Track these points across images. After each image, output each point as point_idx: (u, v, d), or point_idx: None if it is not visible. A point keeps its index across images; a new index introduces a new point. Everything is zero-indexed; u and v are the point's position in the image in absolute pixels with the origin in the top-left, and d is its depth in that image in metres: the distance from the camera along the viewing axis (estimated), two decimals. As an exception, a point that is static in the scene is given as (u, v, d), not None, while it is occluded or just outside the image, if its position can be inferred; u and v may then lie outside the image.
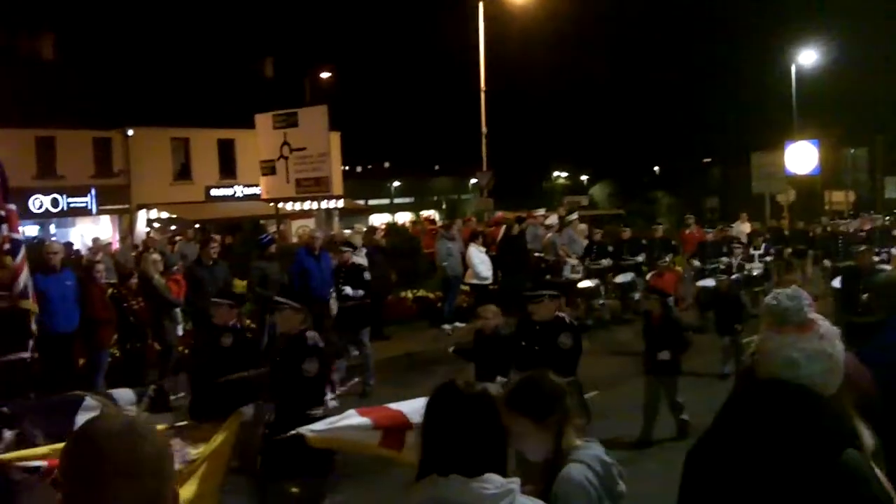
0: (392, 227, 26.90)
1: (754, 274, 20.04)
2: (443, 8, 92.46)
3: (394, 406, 5.53)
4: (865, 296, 7.54)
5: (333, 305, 15.33)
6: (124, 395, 6.57)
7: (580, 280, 19.63)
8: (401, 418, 5.22)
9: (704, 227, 28.80)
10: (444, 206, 70.92)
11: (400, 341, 17.71)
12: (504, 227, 22.20)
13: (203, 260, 14.36)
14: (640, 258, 20.81)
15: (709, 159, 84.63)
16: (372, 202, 66.42)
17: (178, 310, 14.06)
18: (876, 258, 20.95)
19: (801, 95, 47.78)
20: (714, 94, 77.38)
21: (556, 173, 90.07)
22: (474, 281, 19.32)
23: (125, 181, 40.20)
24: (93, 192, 38.56)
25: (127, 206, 40.15)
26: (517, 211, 35.48)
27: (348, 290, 14.51)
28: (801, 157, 40.04)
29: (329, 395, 8.86)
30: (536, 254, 21.07)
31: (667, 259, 19.42)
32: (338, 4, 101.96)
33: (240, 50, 50.17)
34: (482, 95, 32.44)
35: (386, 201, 72.23)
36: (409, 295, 19.92)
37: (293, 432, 5.73)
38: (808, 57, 48.68)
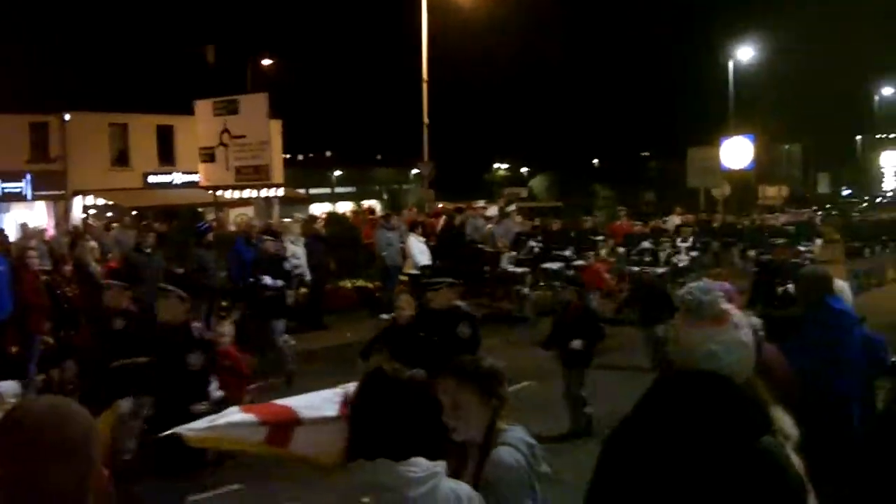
0: (332, 217, 26.89)
1: (680, 266, 20.20)
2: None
3: (281, 402, 5.27)
4: (781, 289, 7.80)
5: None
6: (9, 387, 6.46)
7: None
8: (288, 414, 4.99)
9: (637, 219, 29.18)
10: (385, 197, 70.83)
11: (338, 330, 17.71)
12: (444, 217, 22.35)
13: (142, 247, 14.31)
14: (568, 252, 20.60)
15: (647, 153, 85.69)
16: (313, 191, 66.04)
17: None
18: (802, 248, 20.93)
19: (738, 91, 48.54)
20: (653, 89, 78.31)
21: (497, 165, 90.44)
22: (413, 271, 19.43)
23: (62, 167, 39.54)
24: (28, 177, 37.86)
25: (63, 192, 39.48)
26: (458, 202, 35.69)
27: (267, 279, 14.36)
28: (737, 152, 40.78)
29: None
30: (478, 245, 21.21)
31: (592, 251, 19.59)
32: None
33: (181, 36, 49.46)
34: (424, 86, 32.51)
35: (327, 190, 71.85)
36: (349, 284, 19.96)
37: (170, 432, 5.35)
38: (745, 53, 49.44)
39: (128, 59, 41.24)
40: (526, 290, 19.77)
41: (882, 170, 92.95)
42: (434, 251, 19.82)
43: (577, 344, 10.62)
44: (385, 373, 3.17)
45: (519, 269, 19.76)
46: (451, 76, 60.09)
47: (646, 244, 20.96)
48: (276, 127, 41.41)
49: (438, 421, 3.24)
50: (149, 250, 14.23)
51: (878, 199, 71.69)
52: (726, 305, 3.32)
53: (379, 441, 2.97)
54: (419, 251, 19.25)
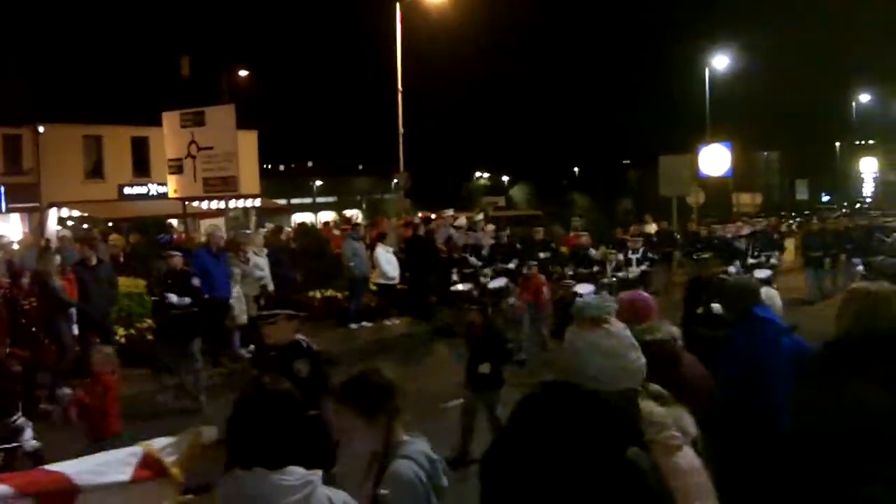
0: (302, 228, 26.91)
1: (630, 278, 19.25)
2: (362, 7, 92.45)
3: (56, 466, 4.56)
4: (701, 309, 7.80)
5: (236, 305, 15.35)
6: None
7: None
8: (62, 481, 4.32)
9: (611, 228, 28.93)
10: (364, 206, 70.91)
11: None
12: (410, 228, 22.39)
13: (86, 262, 14.32)
14: (512, 264, 19.93)
15: (627, 161, 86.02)
16: (294, 201, 66.11)
17: (72, 310, 13.92)
18: (753, 260, 20.66)
19: (715, 99, 48.84)
20: (632, 98, 78.67)
21: (477, 174, 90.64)
22: (381, 281, 19.48)
23: (35, 179, 39.48)
24: (1, 189, 37.78)
25: (37, 204, 39.43)
26: (437, 211, 35.77)
27: (173, 297, 13.62)
28: (715, 159, 40.92)
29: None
30: (452, 255, 21.01)
31: (535, 263, 18.37)
32: (256, 3, 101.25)
33: (155, 48, 49.56)
34: (399, 96, 32.65)
35: (308, 200, 71.94)
36: (318, 295, 19.96)
37: None
38: (721, 62, 49.77)
39: (102, 71, 41.35)
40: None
41: (861, 176, 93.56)
42: (402, 261, 19.89)
43: (484, 368, 10.15)
44: (262, 385, 3.21)
45: (464, 287, 19.00)
46: (431, 86, 60.34)
47: (592, 254, 20.44)
48: (250, 138, 41.51)
49: (317, 432, 3.26)
50: (94, 263, 14.22)
51: (857, 206, 72.02)
52: (608, 315, 3.42)
53: (254, 451, 3.00)
54: (386, 261, 19.30)
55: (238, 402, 3.16)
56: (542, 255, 20.47)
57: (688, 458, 3.65)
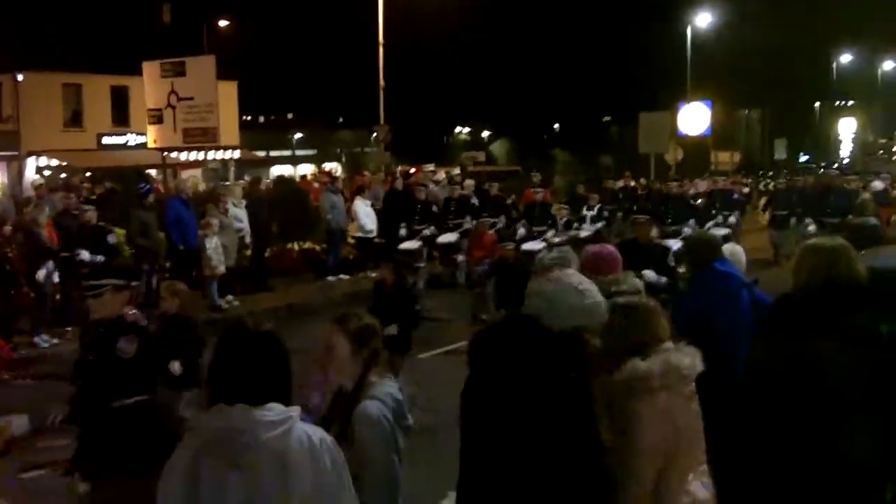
0: (280, 180, 26.92)
1: (582, 236, 18.50)
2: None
3: None
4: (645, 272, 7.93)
5: (213, 255, 15.47)
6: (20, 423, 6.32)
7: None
8: None
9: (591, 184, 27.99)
10: (344, 160, 70.64)
11: (283, 293, 17.92)
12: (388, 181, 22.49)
13: (70, 210, 14.38)
14: (467, 220, 19.32)
15: (608, 118, 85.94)
16: (274, 153, 65.77)
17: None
18: (711, 223, 19.70)
19: (696, 57, 48.84)
20: (614, 55, 78.29)
21: (458, 129, 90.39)
22: (359, 234, 19.62)
23: (14, 127, 39.23)
24: (-20, 137, 37.58)
25: (16, 153, 39.20)
26: (417, 165, 35.84)
27: (84, 254, 13.09)
28: (694, 117, 41.17)
29: None
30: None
31: (496, 220, 18.18)
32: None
33: (137, -5, 49.02)
34: (380, 49, 32.55)
35: (288, 153, 71.59)
36: (296, 247, 20.09)
37: None
38: (703, 19, 49.71)
39: (82, 19, 40.82)
40: (421, 265, 18.12)
41: (840, 136, 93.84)
42: (379, 214, 20.00)
43: (391, 330, 9.25)
44: (245, 325, 3.38)
45: (413, 244, 18.23)
46: (412, 39, 59.95)
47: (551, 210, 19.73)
48: (230, 89, 41.27)
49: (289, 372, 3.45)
50: (76, 212, 14.28)
51: (834, 165, 72.30)
52: (560, 265, 3.95)
53: (237, 387, 3.16)
54: (364, 214, 19.43)
55: (220, 341, 3.32)
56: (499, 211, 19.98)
57: (651, 404, 3.94)
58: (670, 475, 3.97)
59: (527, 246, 17.52)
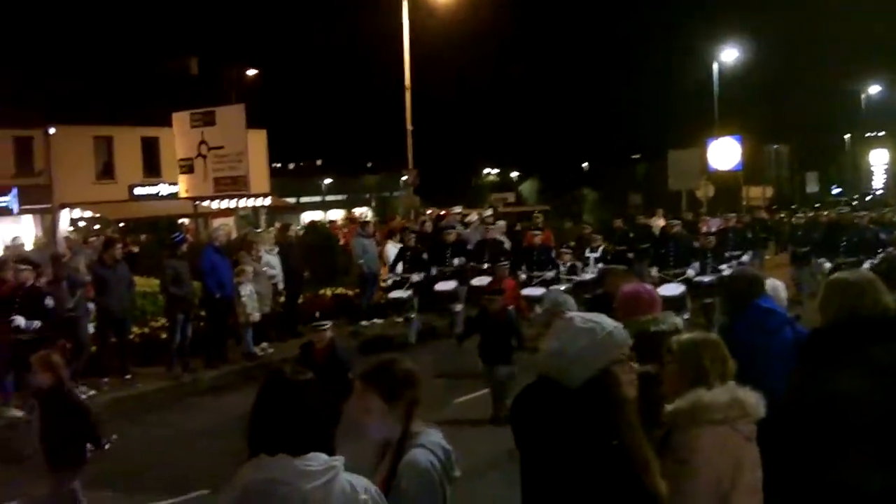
0: (311, 225, 27.02)
1: (586, 279, 17.75)
2: (369, 5, 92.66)
3: None
4: None
5: (248, 302, 15.48)
6: None
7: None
8: None
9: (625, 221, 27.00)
10: (373, 204, 71.05)
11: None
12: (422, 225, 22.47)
13: (105, 260, 14.48)
14: (457, 261, 18.53)
15: (637, 156, 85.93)
16: (304, 199, 66.33)
17: (91, 308, 14.08)
18: (724, 266, 17.60)
19: (724, 93, 48.79)
20: (640, 93, 78.64)
21: (486, 170, 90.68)
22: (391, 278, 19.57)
23: (47, 180, 39.71)
24: (14, 191, 37.96)
25: (49, 205, 39.67)
26: (445, 208, 35.86)
27: (20, 321, 11.95)
28: (724, 153, 41.07)
29: None
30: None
31: (505, 264, 16.82)
32: (263, 2, 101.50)
33: (164, 48, 49.86)
34: (407, 93, 32.74)
35: (318, 198, 72.14)
36: (328, 292, 20.08)
37: None
38: (729, 55, 49.69)
39: (111, 73, 41.44)
40: (411, 316, 17.67)
41: (872, 168, 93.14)
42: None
43: None
44: (284, 373, 3.33)
45: (402, 294, 17.66)
46: (439, 82, 60.48)
47: (549, 274, 18.20)
48: (259, 136, 41.61)
49: (335, 420, 3.38)
50: (112, 263, 14.41)
51: (867, 197, 71.67)
52: (560, 314, 3.81)
53: (278, 437, 3.11)
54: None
55: (262, 390, 3.27)
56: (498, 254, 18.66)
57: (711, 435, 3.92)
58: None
59: (526, 292, 16.93)
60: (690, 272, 16.77)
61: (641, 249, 21.90)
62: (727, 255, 18.92)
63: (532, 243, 19.19)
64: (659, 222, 27.08)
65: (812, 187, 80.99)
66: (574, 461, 3.40)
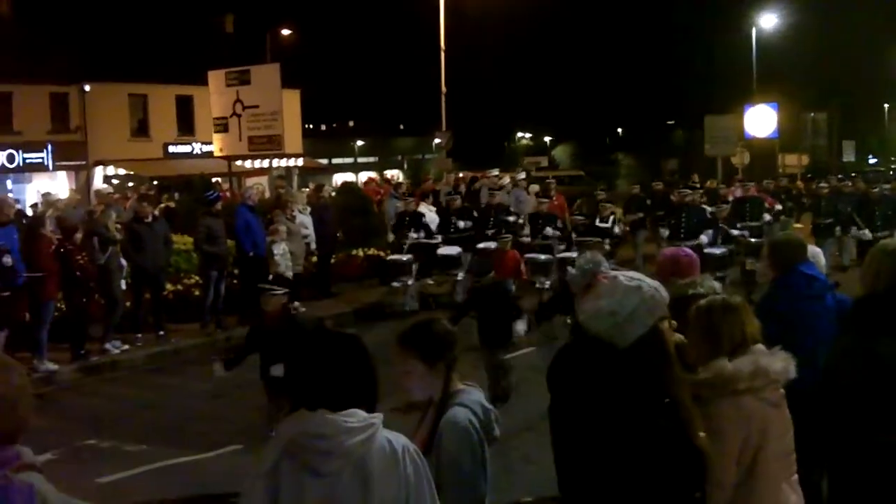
0: (344, 186, 27.03)
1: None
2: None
3: None
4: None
5: (281, 261, 15.50)
6: None
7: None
8: None
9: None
10: (406, 166, 70.96)
11: (348, 299, 17.92)
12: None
13: (141, 216, 14.54)
14: (463, 224, 18.41)
15: (672, 121, 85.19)
16: (336, 161, 66.30)
17: (124, 265, 14.15)
18: (735, 232, 17.35)
19: (762, 59, 48.19)
20: (677, 58, 77.73)
21: (519, 134, 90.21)
22: (423, 240, 19.53)
23: (82, 137, 39.93)
24: (49, 147, 38.22)
25: (84, 162, 39.94)
26: (478, 170, 35.80)
27: None
28: (761, 120, 40.63)
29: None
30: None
31: (504, 233, 15.73)
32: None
33: (200, 5, 49.68)
34: (441, 55, 32.65)
35: (350, 160, 72.12)
36: (360, 253, 20.09)
37: None
38: (768, 21, 49.11)
39: (147, 30, 41.45)
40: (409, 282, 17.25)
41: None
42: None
43: (277, 370, 8.09)
44: (326, 328, 3.31)
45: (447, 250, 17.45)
46: (474, 45, 60.12)
47: (549, 230, 17.81)
48: (293, 97, 41.60)
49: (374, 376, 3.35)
50: (149, 220, 14.48)
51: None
52: (598, 277, 3.72)
53: (319, 392, 3.09)
54: (429, 220, 19.35)
55: (301, 343, 3.25)
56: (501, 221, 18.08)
57: (735, 406, 3.86)
58: (757, 484, 3.88)
59: (530, 256, 16.44)
60: (703, 239, 16.14)
61: (658, 216, 21.56)
62: (739, 225, 18.13)
63: (538, 210, 18.93)
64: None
65: (849, 156, 79.86)
66: (625, 420, 3.35)
